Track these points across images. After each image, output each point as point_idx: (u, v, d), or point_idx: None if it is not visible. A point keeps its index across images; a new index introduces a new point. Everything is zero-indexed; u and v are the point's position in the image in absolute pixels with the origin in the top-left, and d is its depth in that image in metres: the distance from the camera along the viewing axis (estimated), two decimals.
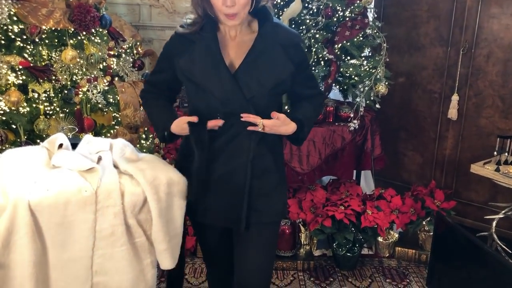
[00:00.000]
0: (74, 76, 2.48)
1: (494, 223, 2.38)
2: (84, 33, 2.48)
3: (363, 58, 2.92)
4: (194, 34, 1.52)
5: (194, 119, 1.50)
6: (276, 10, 2.81)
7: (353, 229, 2.74)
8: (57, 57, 2.42)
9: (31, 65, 2.32)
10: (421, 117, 3.36)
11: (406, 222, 2.81)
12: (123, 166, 1.53)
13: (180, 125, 1.54)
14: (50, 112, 2.43)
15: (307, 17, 2.77)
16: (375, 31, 2.90)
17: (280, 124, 1.52)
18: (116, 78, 2.70)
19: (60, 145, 1.58)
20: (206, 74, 1.50)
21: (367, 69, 2.85)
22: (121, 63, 2.73)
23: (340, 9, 2.77)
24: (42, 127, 2.36)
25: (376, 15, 3.06)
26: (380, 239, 2.91)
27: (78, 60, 2.44)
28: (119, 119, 2.67)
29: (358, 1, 2.78)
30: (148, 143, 2.90)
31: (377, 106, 2.88)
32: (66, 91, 2.48)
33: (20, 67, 2.30)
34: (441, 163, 3.30)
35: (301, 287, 2.64)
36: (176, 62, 1.55)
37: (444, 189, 3.09)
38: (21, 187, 1.37)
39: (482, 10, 2.94)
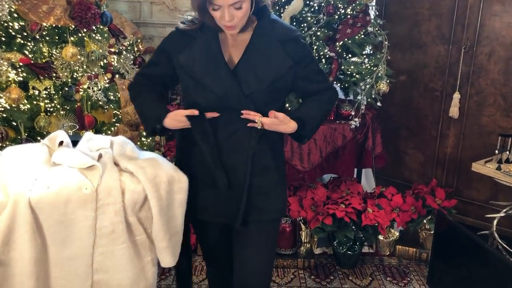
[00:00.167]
0: (75, 73, 2.47)
1: (495, 222, 2.38)
2: (85, 30, 2.48)
3: (365, 56, 2.91)
4: (196, 31, 1.52)
5: (195, 112, 1.50)
6: (277, 8, 2.81)
7: (353, 227, 2.74)
8: (58, 54, 2.41)
9: (32, 62, 2.32)
10: (422, 115, 3.35)
11: (407, 220, 2.81)
12: (124, 163, 1.52)
13: (177, 119, 1.54)
14: (51, 109, 2.43)
15: (309, 14, 2.76)
16: (377, 28, 2.89)
17: (279, 122, 1.51)
18: (117, 76, 2.70)
19: (61, 143, 1.58)
20: (205, 70, 1.50)
21: (369, 67, 2.84)
22: (121, 60, 2.73)
23: (342, 7, 2.77)
24: (43, 124, 2.36)
25: (377, 13, 3.04)
26: (380, 237, 2.91)
27: (79, 57, 2.44)
28: (120, 117, 2.67)
29: None
30: (148, 140, 2.90)
31: (378, 104, 2.87)
32: (66, 88, 2.48)
33: (21, 64, 2.29)
34: (442, 162, 3.30)
35: (301, 285, 2.64)
36: (175, 59, 1.55)
37: (445, 187, 3.09)
38: (22, 184, 1.37)
39: (484, 8, 2.93)
